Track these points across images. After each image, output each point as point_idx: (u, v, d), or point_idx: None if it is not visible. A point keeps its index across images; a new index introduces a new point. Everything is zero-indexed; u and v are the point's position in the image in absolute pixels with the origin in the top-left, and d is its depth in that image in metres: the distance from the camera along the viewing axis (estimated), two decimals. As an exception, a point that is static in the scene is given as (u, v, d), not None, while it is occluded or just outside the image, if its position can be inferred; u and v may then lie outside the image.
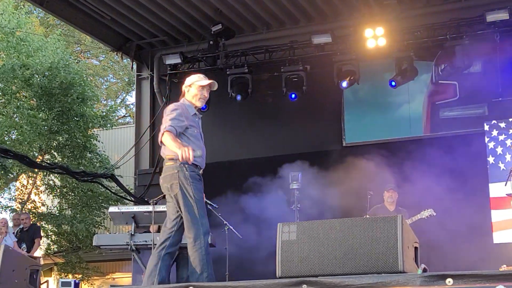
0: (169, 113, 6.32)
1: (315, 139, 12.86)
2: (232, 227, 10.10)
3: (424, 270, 5.13)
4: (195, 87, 6.64)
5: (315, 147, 12.74)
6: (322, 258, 4.94)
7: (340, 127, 13.04)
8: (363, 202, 10.53)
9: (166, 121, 6.25)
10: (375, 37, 12.00)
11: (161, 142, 6.24)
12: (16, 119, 17.61)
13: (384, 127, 12.70)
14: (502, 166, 11.28)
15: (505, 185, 8.64)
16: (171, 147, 6.13)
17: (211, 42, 13.12)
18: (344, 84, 12.34)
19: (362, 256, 4.90)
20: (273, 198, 11.48)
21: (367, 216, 9.93)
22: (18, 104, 17.29)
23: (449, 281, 4.05)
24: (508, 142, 11.09)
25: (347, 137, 12.99)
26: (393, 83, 12.18)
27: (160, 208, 8.75)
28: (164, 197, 9.12)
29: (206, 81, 6.65)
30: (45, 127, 17.20)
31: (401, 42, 12.11)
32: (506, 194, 8.97)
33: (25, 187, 19.26)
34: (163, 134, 6.18)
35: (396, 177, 11.12)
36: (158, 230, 9.06)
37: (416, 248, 5.40)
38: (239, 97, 12.87)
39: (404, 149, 11.69)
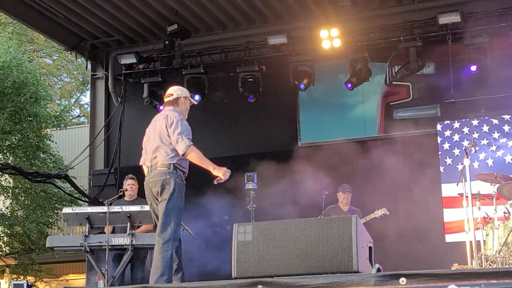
0: (179, 121, 6.59)
1: (270, 139, 12.91)
2: (188, 228, 10.06)
3: (378, 270, 5.20)
4: (188, 102, 7.02)
5: (270, 147, 12.79)
6: (277, 259, 4.97)
7: (296, 128, 13.11)
8: (318, 203, 10.60)
9: (180, 130, 6.52)
10: (330, 38, 12.09)
11: (185, 154, 6.46)
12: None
13: (339, 127, 12.80)
14: (454, 166, 11.46)
15: (457, 185, 8.78)
16: (201, 163, 6.54)
17: (166, 42, 13.05)
18: (302, 86, 12.42)
19: (317, 256, 4.94)
20: (229, 199, 11.48)
21: (322, 216, 10.00)
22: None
23: (403, 280, 4.10)
24: (460, 142, 11.27)
25: (303, 137, 13.06)
26: (349, 85, 12.29)
27: (115, 209, 8.70)
28: (119, 197, 9.12)
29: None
30: (-3, 127, 16.90)
31: (355, 43, 12.23)
32: (458, 194, 9.12)
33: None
34: (188, 147, 6.44)
35: (350, 177, 11.22)
36: (113, 231, 9.02)
37: (370, 248, 5.46)
38: (197, 97, 12.83)
39: (359, 149, 11.81)
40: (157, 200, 6.48)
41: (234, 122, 13.38)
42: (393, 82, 12.63)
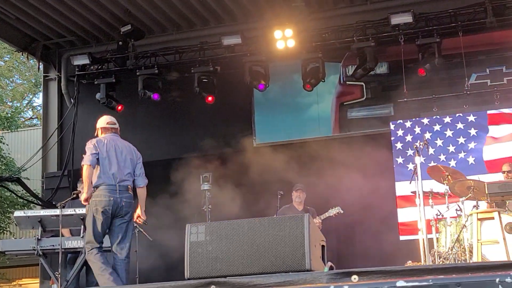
0: None
1: (226, 139, 12.89)
2: (142, 230, 10.00)
3: (331, 268, 5.23)
4: None
5: (226, 147, 12.77)
6: (230, 258, 4.95)
7: (251, 128, 13.12)
8: (273, 202, 10.62)
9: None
10: (284, 38, 12.14)
11: (142, 188, 7.55)
12: None
13: (293, 127, 12.86)
14: (407, 164, 11.59)
15: (410, 183, 8.89)
16: (144, 200, 7.53)
17: (120, 43, 12.94)
18: (261, 86, 12.45)
19: (270, 255, 4.94)
20: (184, 200, 11.45)
21: (277, 216, 10.02)
22: None
23: (355, 278, 4.12)
24: (413, 141, 11.40)
25: (258, 137, 13.09)
26: (308, 87, 12.33)
27: (68, 211, 8.61)
28: (72, 199, 9.03)
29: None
30: None
31: (309, 44, 12.30)
32: (411, 192, 9.23)
33: None
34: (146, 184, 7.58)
35: (305, 177, 11.28)
36: (71, 234, 8.94)
37: (323, 246, 5.49)
38: (156, 96, 12.78)
39: (314, 149, 11.88)
40: (118, 217, 7.08)
41: (189, 123, 13.34)
42: (347, 82, 12.74)
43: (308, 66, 12.44)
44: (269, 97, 13.19)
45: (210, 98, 12.62)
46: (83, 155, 7.16)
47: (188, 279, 4.88)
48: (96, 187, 7.03)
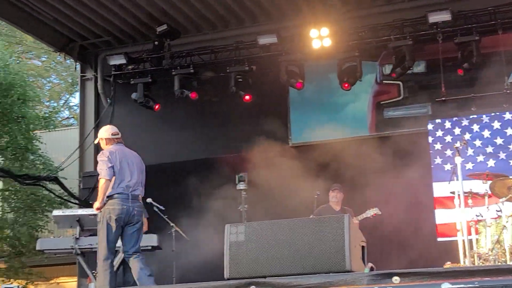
0: None
1: (261, 139, 12.83)
2: (178, 229, 10.02)
3: (371, 269, 5.17)
4: None
5: (261, 147, 12.72)
6: (270, 259, 4.92)
7: (286, 127, 13.06)
8: (309, 203, 10.56)
9: None
10: (320, 37, 12.06)
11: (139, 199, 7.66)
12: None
13: (329, 127, 12.75)
14: (444, 165, 11.44)
15: (449, 183, 8.76)
16: None
17: (156, 43, 13.00)
18: (299, 84, 12.41)
19: (310, 256, 4.90)
20: (220, 199, 11.44)
21: (313, 216, 9.96)
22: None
23: (396, 279, 4.07)
24: (452, 141, 11.24)
25: (293, 137, 13.04)
26: (346, 86, 12.25)
27: (105, 211, 8.61)
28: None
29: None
30: (-15, 130, 16.79)
31: (346, 43, 12.21)
32: (450, 193, 9.09)
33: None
34: None
35: (341, 177, 11.20)
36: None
37: (363, 247, 5.42)
38: (193, 95, 12.84)
39: (350, 148, 11.78)
40: (130, 225, 7.31)
41: (224, 122, 13.33)
42: (384, 81, 12.63)
43: (344, 65, 12.36)
44: (305, 96, 13.13)
45: (247, 97, 12.60)
46: (99, 169, 7.31)
47: (228, 279, 4.86)
48: (110, 196, 7.21)
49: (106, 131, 7.65)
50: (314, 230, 4.98)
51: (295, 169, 11.58)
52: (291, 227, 5.04)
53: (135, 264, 7.26)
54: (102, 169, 7.24)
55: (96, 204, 7.27)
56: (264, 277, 4.72)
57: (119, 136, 7.70)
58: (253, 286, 4.24)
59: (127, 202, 7.22)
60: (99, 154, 7.43)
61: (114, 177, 7.27)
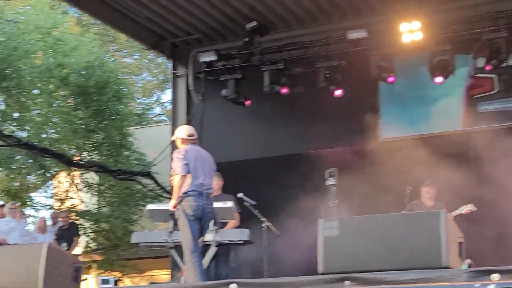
0: None
1: (351, 135, 12.78)
2: (269, 224, 10.08)
3: (470, 266, 5.07)
4: None
5: (351, 143, 12.66)
6: (364, 254, 4.91)
7: (377, 122, 12.95)
8: (401, 198, 10.43)
9: None
10: (411, 31, 11.90)
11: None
12: (53, 118, 17.80)
13: (421, 121, 12.58)
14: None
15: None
16: None
17: (245, 39, 13.12)
18: (390, 79, 12.30)
19: (405, 251, 4.86)
20: (310, 195, 11.45)
21: (405, 212, 9.83)
22: (55, 103, 17.48)
23: (496, 276, 3.99)
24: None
25: (384, 132, 12.90)
26: (439, 80, 12.05)
27: (198, 205, 8.74)
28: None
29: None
30: (82, 126, 17.37)
31: (437, 36, 11.98)
32: (548, 188, 8.81)
33: (62, 185, 19.47)
34: None
35: (433, 172, 11.00)
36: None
37: (460, 243, 5.32)
38: (284, 91, 12.91)
39: (442, 143, 11.59)
40: (202, 222, 7.64)
41: (314, 118, 13.29)
42: (477, 75, 12.35)
43: (435, 59, 12.13)
44: (395, 90, 12.98)
45: (338, 92, 12.56)
46: (172, 165, 7.57)
47: (322, 273, 4.87)
48: (186, 193, 7.45)
49: (183, 131, 7.89)
50: (409, 225, 4.93)
51: (385, 164, 11.47)
52: (385, 222, 5.01)
53: None
54: (178, 166, 7.49)
55: (172, 202, 7.58)
56: (359, 272, 4.71)
57: (195, 137, 7.92)
58: (348, 281, 4.24)
59: (202, 199, 7.50)
60: (175, 151, 7.69)
61: (189, 175, 7.48)
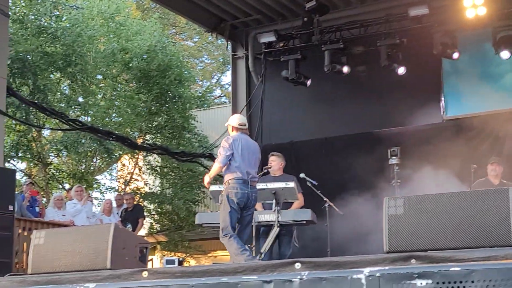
0: None
1: (413, 113, 12.61)
2: (332, 204, 10.05)
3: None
4: None
5: (414, 122, 12.50)
6: (430, 232, 4.84)
7: (440, 100, 12.74)
8: (466, 176, 10.26)
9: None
10: (474, 6, 11.64)
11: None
12: (116, 102, 18.10)
13: (486, 98, 12.31)
14: None
15: None
16: None
17: (305, 19, 13.05)
18: (455, 55, 12.07)
19: (472, 229, 4.78)
20: (373, 174, 11.38)
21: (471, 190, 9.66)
22: (119, 87, 17.77)
23: None
24: None
25: (448, 110, 12.68)
26: (505, 55, 11.76)
27: (260, 186, 8.78)
28: (263, 174, 9.25)
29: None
30: (145, 109, 17.61)
31: (502, 11, 11.72)
32: None
33: (127, 167, 19.81)
34: None
35: (499, 149, 10.80)
36: (263, 208, 9.15)
37: (529, 220, 5.19)
38: (345, 70, 12.82)
39: (508, 120, 11.32)
40: (247, 208, 7.74)
41: (376, 97, 13.18)
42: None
43: (499, 34, 11.86)
44: (459, 67, 12.73)
45: (401, 70, 12.39)
46: (219, 152, 7.79)
47: (387, 252, 4.84)
48: (232, 180, 7.64)
49: (235, 119, 8.03)
50: (476, 203, 4.84)
51: (449, 142, 11.30)
52: (451, 200, 4.93)
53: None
54: (221, 155, 7.72)
55: (207, 179, 7.98)
56: (425, 250, 4.66)
57: (246, 127, 8.09)
58: (413, 260, 4.19)
59: (247, 187, 7.65)
60: (225, 138, 7.88)
61: (233, 163, 7.67)
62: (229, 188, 7.63)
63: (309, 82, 13.26)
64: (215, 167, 7.83)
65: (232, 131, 7.97)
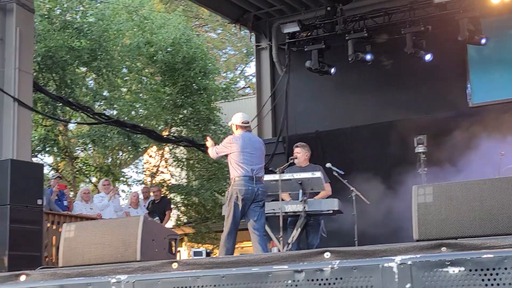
0: None
1: (439, 101, 12.55)
2: (359, 193, 10.02)
3: None
4: None
5: (440, 109, 12.42)
6: (460, 220, 4.80)
7: (466, 87, 12.64)
8: (493, 164, 10.18)
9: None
10: (500, -9, 11.53)
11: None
12: (141, 95, 18.18)
13: (512, 84, 12.21)
14: None
15: None
16: None
17: (328, 8, 13.01)
18: (484, 40, 11.96)
19: (502, 216, 4.73)
20: (399, 163, 11.33)
21: (500, 177, 9.58)
22: (144, 80, 17.85)
23: None
24: None
25: (474, 97, 12.58)
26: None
27: (286, 176, 8.79)
28: (290, 165, 9.24)
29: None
30: (170, 102, 17.67)
31: (528, -5, 11.58)
32: None
33: (153, 158, 19.90)
34: None
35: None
36: (290, 198, 9.14)
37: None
38: (369, 57, 12.74)
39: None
40: (254, 202, 7.92)
41: (400, 85, 13.12)
42: None
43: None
44: (484, 54, 12.63)
45: (428, 57, 12.30)
46: (220, 145, 8.08)
47: (417, 240, 4.82)
48: (238, 178, 7.88)
49: (238, 118, 8.17)
50: (506, 189, 4.80)
51: (476, 130, 11.21)
52: (480, 187, 4.88)
53: (262, 242, 8.03)
54: (218, 149, 8.05)
55: (209, 143, 8.23)
56: (455, 238, 4.63)
57: (249, 125, 8.26)
58: (444, 248, 4.16)
59: (252, 183, 7.86)
60: (228, 136, 8.16)
61: (237, 160, 7.89)
62: (234, 185, 7.88)
63: (333, 70, 13.20)
64: (210, 152, 8.21)
65: (236, 129, 8.16)
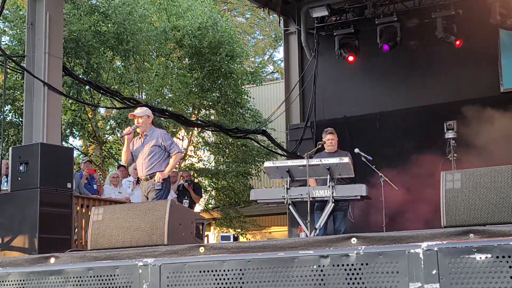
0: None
1: (470, 86, 12.41)
2: (387, 179, 9.97)
3: None
4: None
5: (470, 94, 12.29)
6: (489, 206, 4.76)
7: (497, 72, 12.47)
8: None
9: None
10: (532, -26, 11.34)
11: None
12: (169, 79, 18.20)
13: (545, 69, 12.02)
14: None
15: None
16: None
17: (357, -9, 12.92)
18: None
19: (532, 203, 4.69)
20: (428, 148, 11.25)
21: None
22: (171, 65, 17.87)
23: None
24: None
25: (505, 82, 12.41)
26: None
27: (314, 161, 8.76)
28: (317, 150, 9.22)
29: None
30: (197, 86, 17.68)
31: (561, -22, 11.38)
32: None
33: (182, 142, 19.97)
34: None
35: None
36: (317, 183, 9.12)
37: None
38: (386, 47, 12.65)
39: None
40: None
41: (430, 70, 12.99)
42: None
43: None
44: (517, 38, 12.44)
45: (458, 42, 12.17)
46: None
47: (445, 227, 4.78)
48: None
49: None
50: (536, 176, 4.74)
51: (507, 115, 11.09)
52: (509, 173, 4.83)
53: None
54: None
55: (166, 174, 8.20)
56: (484, 224, 4.59)
57: None
58: (472, 234, 4.12)
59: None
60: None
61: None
62: None
63: (351, 58, 13.12)
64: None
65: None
